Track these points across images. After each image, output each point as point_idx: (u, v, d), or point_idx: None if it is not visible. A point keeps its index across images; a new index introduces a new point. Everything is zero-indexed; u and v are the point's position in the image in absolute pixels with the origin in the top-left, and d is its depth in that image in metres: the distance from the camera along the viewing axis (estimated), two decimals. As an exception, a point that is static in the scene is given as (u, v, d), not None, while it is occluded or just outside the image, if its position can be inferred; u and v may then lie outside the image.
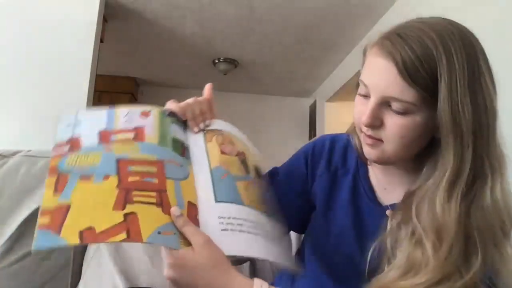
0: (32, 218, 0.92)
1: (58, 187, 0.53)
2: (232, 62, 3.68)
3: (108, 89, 3.93)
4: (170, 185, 0.58)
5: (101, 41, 2.56)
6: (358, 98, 0.64)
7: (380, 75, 0.57)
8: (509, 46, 1.54)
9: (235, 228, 0.59)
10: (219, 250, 0.56)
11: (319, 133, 4.20)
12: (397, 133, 0.58)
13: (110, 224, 0.50)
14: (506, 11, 1.61)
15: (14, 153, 0.99)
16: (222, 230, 0.58)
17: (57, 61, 2.30)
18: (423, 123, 0.57)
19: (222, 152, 0.67)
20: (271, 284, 0.69)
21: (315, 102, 4.42)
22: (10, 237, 0.89)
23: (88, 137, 0.61)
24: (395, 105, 0.57)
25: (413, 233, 0.57)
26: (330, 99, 3.97)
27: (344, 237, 0.70)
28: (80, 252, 0.99)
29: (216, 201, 0.61)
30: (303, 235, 0.84)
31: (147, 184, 0.56)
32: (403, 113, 0.57)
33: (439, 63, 0.54)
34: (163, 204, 0.55)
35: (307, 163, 0.79)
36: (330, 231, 0.73)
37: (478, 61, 0.56)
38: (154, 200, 0.55)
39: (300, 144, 0.84)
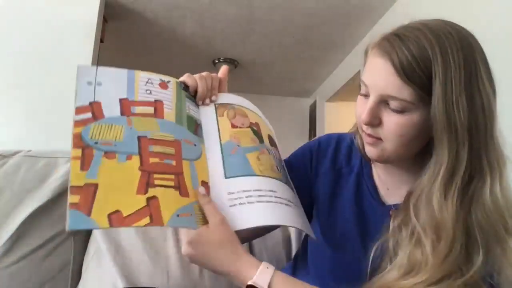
0: (32, 218, 0.92)
1: (85, 163, 0.54)
2: (232, 62, 3.68)
3: (108, 89, 3.93)
4: (186, 166, 0.60)
5: (101, 41, 2.56)
6: (359, 98, 0.65)
7: (378, 74, 0.59)
8: (510, 45, 1.54)
9: (244, 201, 0.61)
10: (230, 230, 0.58)
11: (319, 133, 4.20)
12: (395, 132, 0.59)
13: (135, 209, 0.52)
14: (507, 11, 1.61)
15: (14, 153, 0.99)
16: (230, 206, 0.60)
17: (57, 61, 2.30)
18: (421, 121, 0.58)
19: (233, 126, 0.69)
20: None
21: (315, 102, 4.41)
22: (10, 237, 0.89)
23: (110, 105, 0.61)
24: (393, 104, 0.58)
25: (412, 232, 0.57)
26: (330, 99, 3.97)
27: (347, 236, 0.71)
28: (80, 252, 0.99)
29: (226, 177, 0.63)
30: (303, 234, 0.85)
31: (166, 167, 0.58)
32: (401, 111, 0.58)
33: (434, 62, 0.55)
34: (180, 187, 0.57)
35: (311, 158, 0.80)
36: (332, 229, 0.73)
37: (476, 61, 0.56)
38: (172, 183, 0.57)
39: (300, 144, 0.85)
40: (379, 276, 0.57)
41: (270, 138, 0.75)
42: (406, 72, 0.55)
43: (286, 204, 0.64)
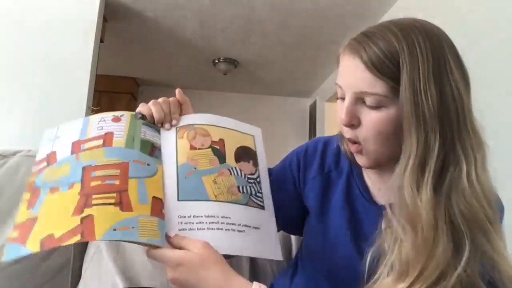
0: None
1: (31, 202, 0.58)
2: (232, 62, 3.68)
3: (108, 89, 3.93)
4: (133, 183, 0.60)
5: (101, 41, 2.56)
6: (338, 103, 0.65)
7: (350, 72, 0.60)
8: (503, 43, 1.55)
9: (194, 227, 0.61)
10: (215, 251, 0.58)
11: (319, 133, 4.20)
12: (374, 129, 0.59)
13: (67, 229, 0.53)
14: (507, 11, 1.61)
15: (14, 153, 0.99)
16: (180, 230, 0.60)
17: (57, 61, 2.31)
18: (398, 115, 0.57)
19: (192, 147, 0.69)
20: (271, 286, 0.69)
21: (315, 102, 4.42)
22: (10, 237, 0.89)
23: (63, 150, 0.65)
24: (368, 100, 0.58)
25: (396, 232, 0.56)
26: (330, 99, 3.97)
27: (340, 238, 0.70)
28: (80, 252, 0.99)
29: (178, 200, 0.63)
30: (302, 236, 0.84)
31: (107, 187, 0.59)
32: (376, 107, 0.58)
33: (401, 52, 0.55)
34: (122, 202, 0.58)
35: (299, 164, 0.79)
36: (325, 233, 0.72)
37: (444, 52, 0.57)
38: (113, 201, 0.57)
39: (300, 144, 0.84)
40: (374, 279, 0.56)
41: (241, 151, 0.73)
42: (375, 66, 0.56)
43: (239, 231, 0.64)
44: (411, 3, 2.34)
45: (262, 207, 0.70)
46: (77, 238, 0.52)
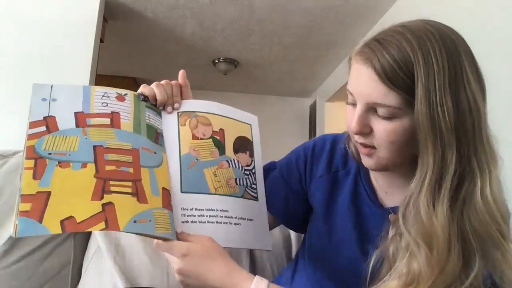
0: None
1: (38, 173, 0.55)
2: (232, 62, 3.68)
3: (108, 89, 3.92)
4: (145, 173, 0.61)
5: (101, 41, 2.56)
6: (347, 108, 0.64)
7: (362, 82, 0.58)
8: (510, 45, 1.54)
9: (195, 219, 0.63)
10: (218, 244, 0.60)
11: (319, 133, 4.20)
12: (386, 139, 0.58)
13: (89, 214, 0.53)
14: (507, 11, 1.61)
15: (14, 153, 0.99)
16: (182, 222, 0.62)
17: (57, 61, 2.30)
18: (412, 126, 0.56)
19: (194, 137, 0.69)
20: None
21: (315, 102, 4.41)
22: (10, 237, 0.89)
23: (65, 118, 0.62)
24: (380, 111, 0.57)
25: (407, 243, 0.56)
26: (330, 99, 3.97)
27: (345, 239, 0.70)
28: (80, 252, 0.99)
29: (181, 191, 0.64)
30: (303, 235, 0.84)
31: (123, 174, 0.59)
32: (389, 117, 0.57)
33: (416, 64, 0.53)
34: (138, 193, 0.58)
35: (306, 160, 0.78)
36: (330, 233, 0.72)
37: (460, 60, 0.55)
38: (129, 190, 0.58)
39: (300, 144, 0.84)
40: (379, 284, 0.56)
41: (239, 142, 0.74)
42: (389, 78, 0.54)
43: (235, 223, 0.67)
44: (411, 3, 2.34)
45: (256, 198, 0.72)
46: (102, 226, 0.52)
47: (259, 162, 0.76)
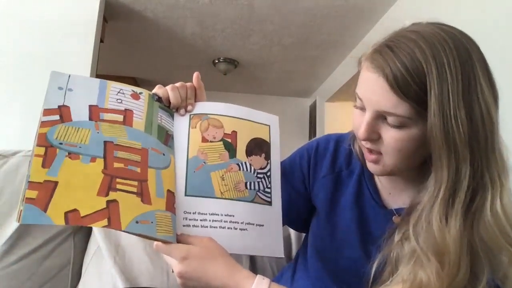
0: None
1: (47, 161, 0.55)
2: (232, 62, 3.68)
3: (108, 89, 3.92)
4: (151, 174, 0.61)
5: (101, 41, 2.56)
6: (355, 111, 0.63)
7: (372, 90, 0.57)
8: (502, 47, 1.54)
9: (198, 224, 0.63)
10: (219, 245, 0.60)
11: (319, 133, 4.20)
12: (394, 147, 0.58)
13: (93, 209, 0.53)
14: (508, 11, 1.60)
15: (14, 153, 0.99)
16: (184, 226, 0.62)
17: (57, 61, 2.30)
18: (421, 135, 0.55)
19: (204, 140, 0.69)
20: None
21: (315, 102, 4.41)
22: (10, 237, 0.89)
23: (79, 110, 0.62)
24: (390, 119, 0.56)
25: (414, 251, 0.55)
26: (330, 99, 3.97)
27: (347, 240, 0.70)
28: (80, 252, 0.99)
29: (185, 195, 0.64)
30: (303, 234, 0.84)
31: (130, 173, 0.59)
32: (399, 126, 0.56)
33: (429, 75, 0.52)
34: (143, 193, 0.58)
35: (309, 160, 0.78)
36: (333, 233, 0.72)
37: (474, 69, 0.53)
38: (135, 190, 0.58)
39: (300, 144, 0.84)
40: (382, 287, 0.56)
41: (253, 144, 0.72)
42: (401, 88, 0.53)
43: (241, 229, 0.65)
44: (411, 4, 2.34)
45: (269, 203, 0.69)
46: (104, 223, 0.52)
47: (277, 164, 0.73)
